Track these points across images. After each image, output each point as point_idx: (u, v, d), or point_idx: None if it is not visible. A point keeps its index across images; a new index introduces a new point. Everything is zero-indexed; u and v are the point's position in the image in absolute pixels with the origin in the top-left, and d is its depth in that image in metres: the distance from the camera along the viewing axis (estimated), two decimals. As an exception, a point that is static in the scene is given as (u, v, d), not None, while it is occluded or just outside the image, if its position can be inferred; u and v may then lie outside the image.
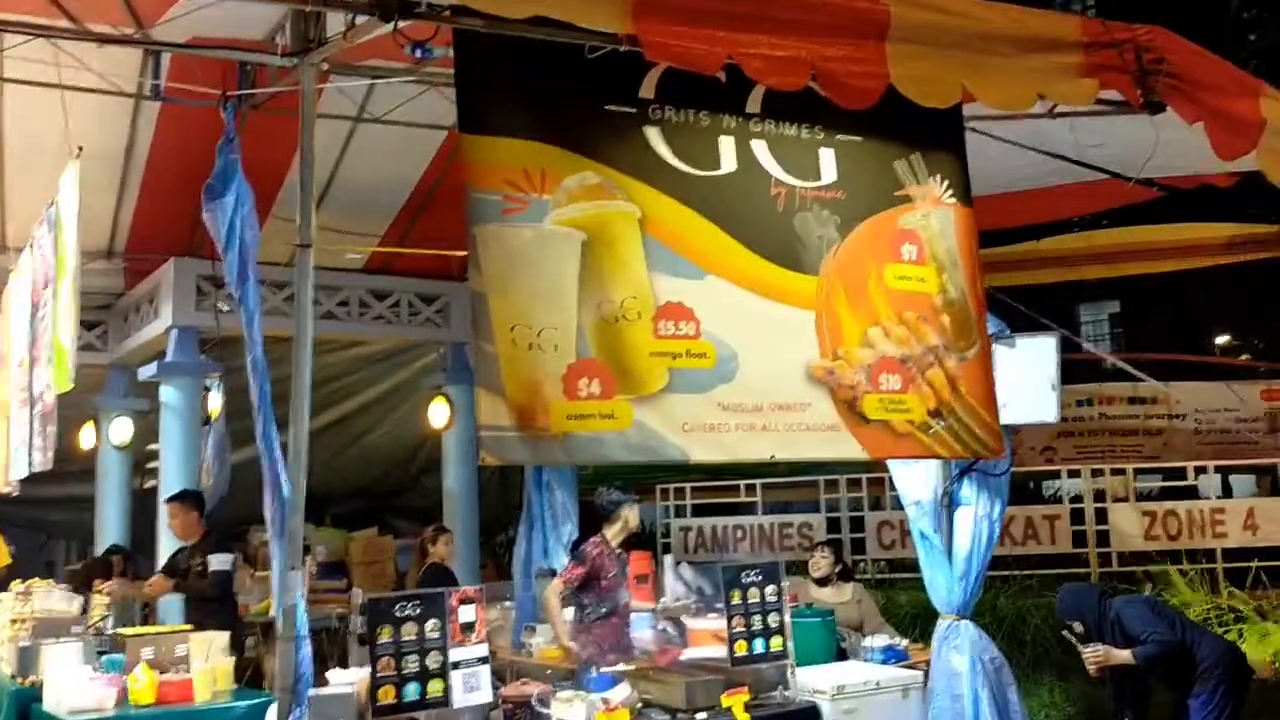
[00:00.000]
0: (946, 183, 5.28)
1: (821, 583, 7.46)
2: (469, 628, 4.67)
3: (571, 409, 4.13)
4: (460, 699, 4.52)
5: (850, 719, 5.22)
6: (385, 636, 4.50)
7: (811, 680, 5.33)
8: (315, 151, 4.37)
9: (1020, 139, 5.93)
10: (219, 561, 6.94)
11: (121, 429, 10.70)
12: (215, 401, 9.29)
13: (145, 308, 9.46)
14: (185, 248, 9.24)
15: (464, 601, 4.68)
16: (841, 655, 6.28)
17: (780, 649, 5.15)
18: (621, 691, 5.02)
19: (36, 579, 7.70)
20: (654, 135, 4.61)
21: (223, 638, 6.17)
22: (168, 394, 8.81)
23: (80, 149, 5.15)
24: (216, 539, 7.27)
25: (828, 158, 5.00)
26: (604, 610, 6.50)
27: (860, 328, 4.92)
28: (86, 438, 11.08)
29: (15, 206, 8.64)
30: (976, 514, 5.85)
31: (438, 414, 10.02)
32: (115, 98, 5.96)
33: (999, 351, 5.57)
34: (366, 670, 4.55)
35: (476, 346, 4.14)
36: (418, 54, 3.99)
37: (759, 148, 4.85)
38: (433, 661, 4.56)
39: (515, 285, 4.11)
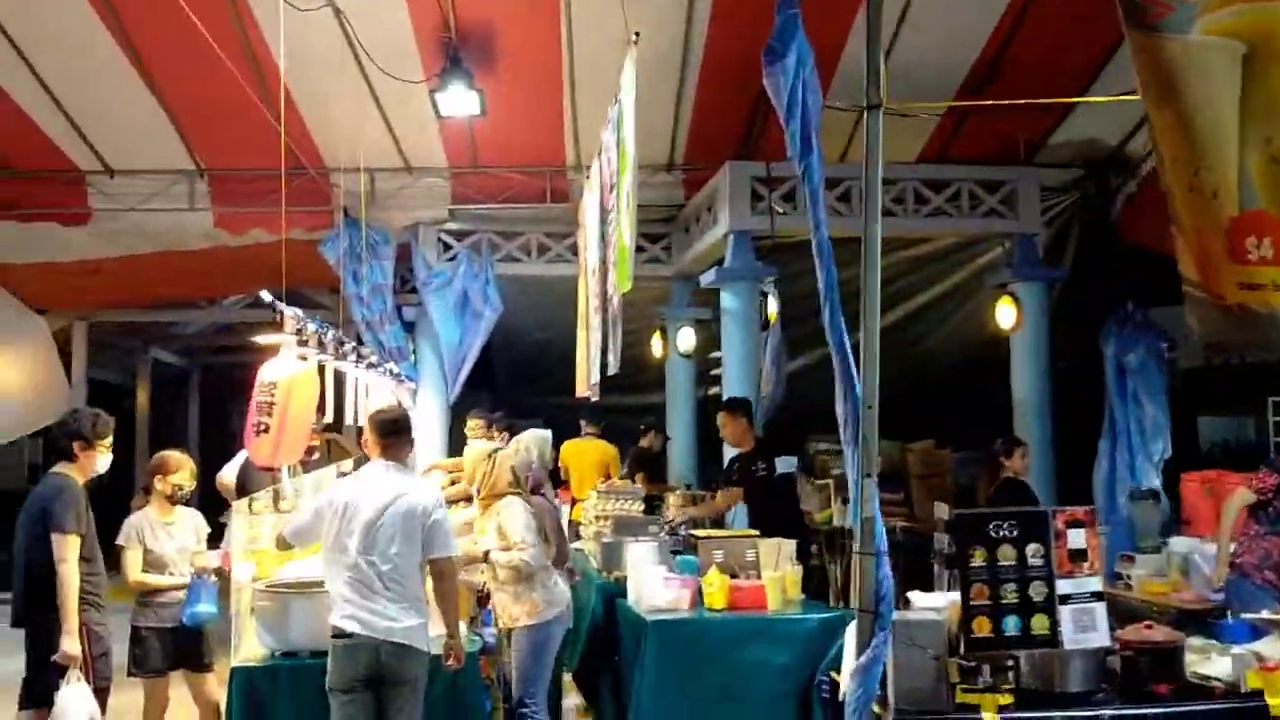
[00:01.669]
0: None
1: None
2: (1078, 555, 3.87)
3: (1241, 275, 3.10)
4: (1071, 639, 3.77)
5: None
6: (978, 560, 3.86)
7: None
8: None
9: None
10: (784, 465, 6.74)
11: (686, 338, 11.09)
12: (772, 306, 9.18)
13: (704, 216, 9.56)
14: (739, 152, 9.17)
15: (1071, 524, 3.89)
16: None
17: None
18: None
19: (616, 479, 8.10)
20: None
21: (790, 545, 5.93)
22: (727, 300, 8.82)
23: (637, 35, 5.00)
24: (770, 446, 7.10)
25: None
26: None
27: None
28: (656, 348, 11.66)
29: (583, 124, 9.09)
30: None
31: (1004, 315, 9.08)
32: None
33: None
34: (954, 596, 3.95)
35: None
36: None
37: None
38: (1036, 593, 3.84)
39: (1165, 109, 3.15)
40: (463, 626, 5.13)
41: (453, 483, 8.59)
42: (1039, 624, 3.83)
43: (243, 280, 10.80)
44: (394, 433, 4.60)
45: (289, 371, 4.91)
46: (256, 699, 4.66)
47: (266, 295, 5.27)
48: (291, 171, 9.29)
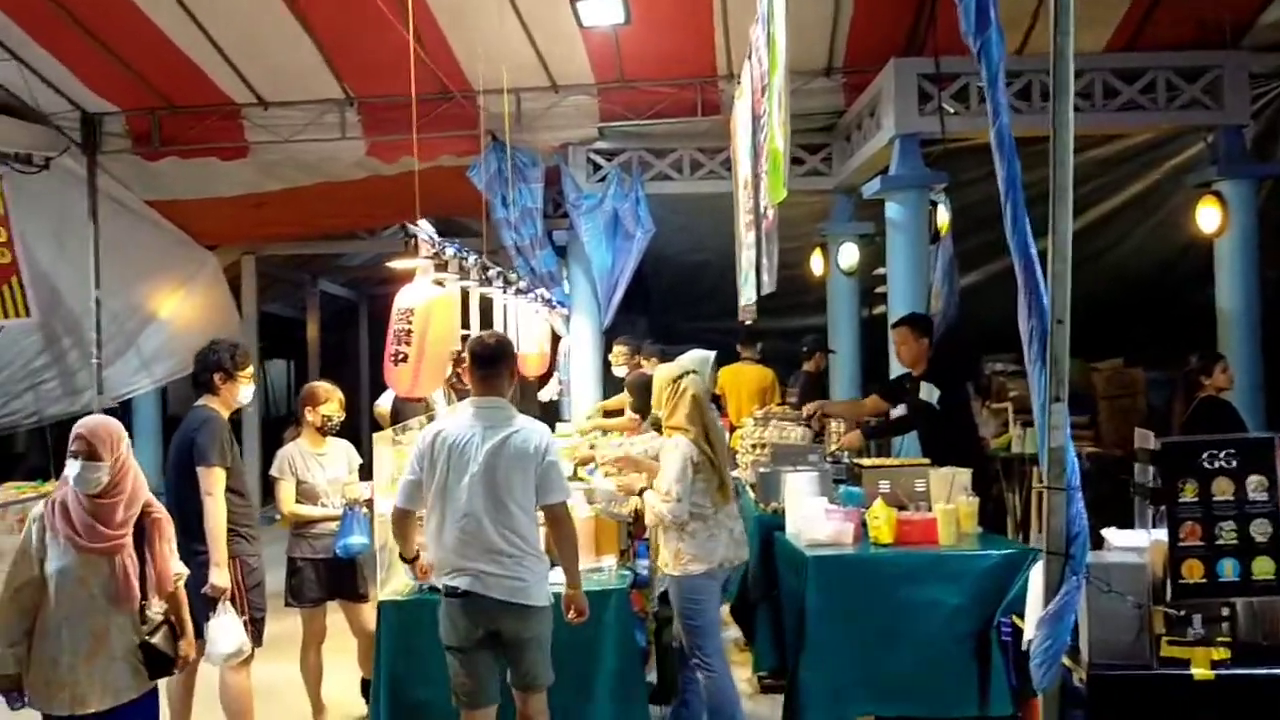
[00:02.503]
0: None
1: None
2: (1312, 489, 3.32)
3: None
4: (1303, 587, 3.24)
5: None
6: (1189, 494, 3.36)
7: None
8: None
9: None
10: (926, 392, 6.21)
11: (848, 254, 10.54)
12: (942, 216, 8.51)
13: (866, 122, 8.92)
14: (905, 48, 8.50)
15: (1304, 453, 3.33)
16: None
17: None
18: None
19: (773, 405, 7.71)
20: None
21: (965, 474, 5.46)
22: (893, 210, 8.21)
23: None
24: (944, 367, 6.54)
25: None
26: None
27: None
28: (816, 266, 11.13)
29: (734, 28, 8.56)
30: None
31: (1207, 217, 8.17)
32: None
33: None
34: (1159, 535, 3.45)
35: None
36: None
37: None
38: (1259, 531, 3.33)
39: None
40: (608, 560, 4.92)
41: (607, 414, 8.42)
42: (1262, 568, 3.33)
43: (398, 209, 10.79)
44: (493, 361, 4.13)
45: (425, 297, 4.71)
46: (405, 633, 4.58)
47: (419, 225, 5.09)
48: (434, 97, 9.20)
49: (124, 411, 11.56)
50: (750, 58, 6.24)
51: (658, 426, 5.13)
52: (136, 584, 3.73)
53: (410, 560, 4.26)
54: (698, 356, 6.28)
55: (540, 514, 4.08)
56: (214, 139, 9.95)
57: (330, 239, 13.57)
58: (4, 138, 9.39)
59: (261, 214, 11.03)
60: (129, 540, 3.72)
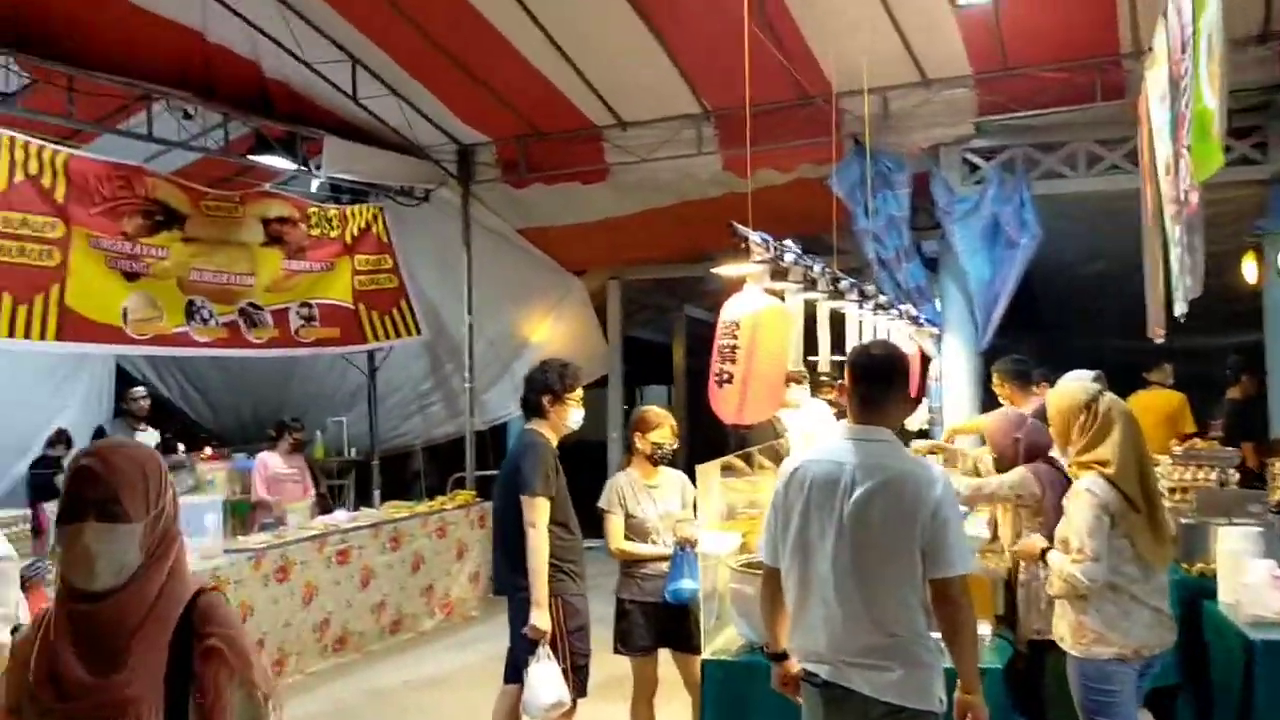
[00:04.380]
0: None
1: None
2: None
3: None
4: None
5: None
6: None
7: None
8: None
9: None
10: None
11: (1291, 256, 8.70)
12: None
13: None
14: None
15: None
16: None
17: None
18: None
19: (1198, 442, 6.34)
20: None
21: None
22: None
23: None
24: None
25: None
26: None
27: None
28: (1249, 273, 9.31)
29: None
30: None
31: None
32: None
33: None
34: None
35: None
36: None
37: None
38: None
39: None
40: (981, 628, 3.97)
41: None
42: None
43: (757, 228, 10.32)
44: (879, 377, 3.18)
45: (753, 308, 4.06)
46: (732, 699, 3.93)
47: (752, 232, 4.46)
48: (793, 104, 8.60)
49: (496, 436, 11.94)
50: (1165, 12, 5.05)
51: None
52: None
53: (777, 657, 3.29)
54: (1080, 378, 5.11)
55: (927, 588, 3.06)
56: (575, 163, 9.99)
57: (694, 260, 13.36)
58: (386, 172, 9.94)
59: (621, 237, 10.98)
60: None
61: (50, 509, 8.89)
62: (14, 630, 3.59)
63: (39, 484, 9.51)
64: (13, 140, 6.72)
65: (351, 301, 9.85)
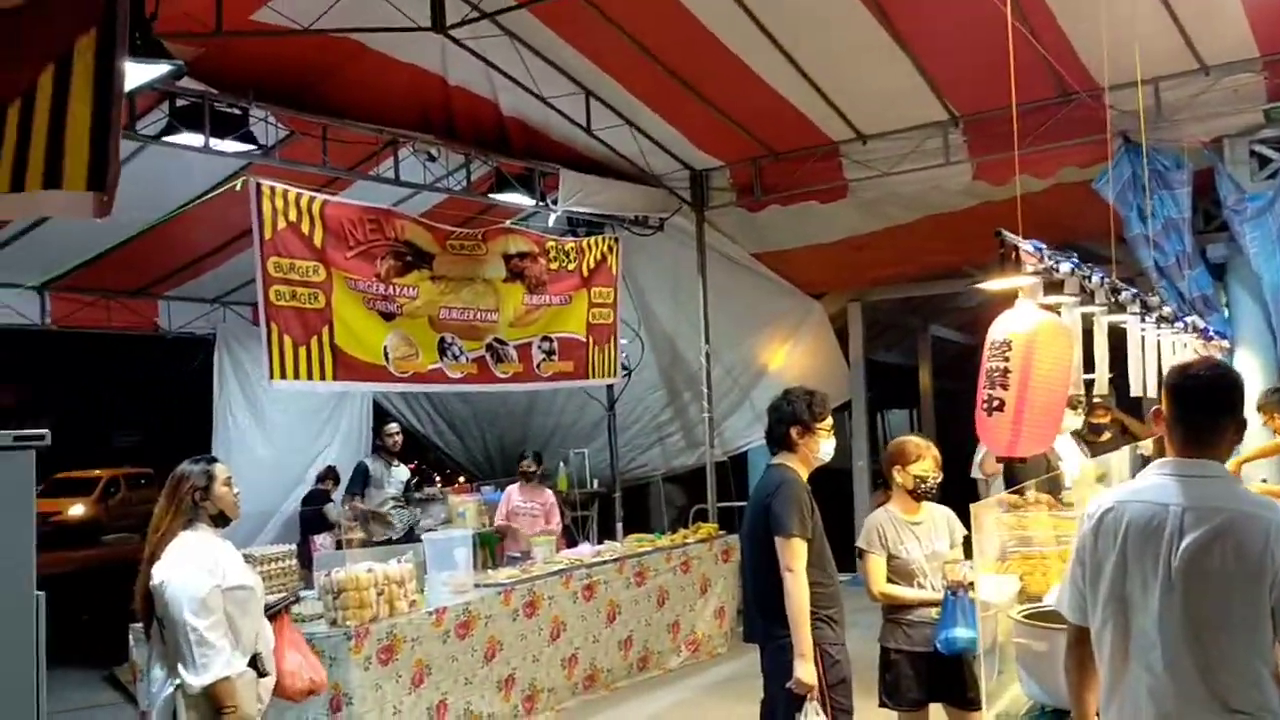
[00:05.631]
0: None
1: None
2: None
3: None
4: None
5: None
6: None
7: None
8: None
9: None
10: None
11: None
12: None
13: None
14: None
15: None
16: None
17: None
18: None
19: None
20: None
21: None
22: None
23: None
24: None
25: None
26: None
27: None
28: None
29: None
30: None
31: None
32: None
33: None
34: None
35: None
36: None
37: None
38: None
39: None
40: None
41: None
42: None
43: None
44: (1210, 402, 2.66)
45: (1028, 325, 3.59)
46: (1022, 770, 3.46)
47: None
48: (1051, 101, 7.95)
49: (737, 465, 11.66)
50: None
51: None
52: None
53: None
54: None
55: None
56: (812, 181, 9.62)
57: (941, 278, 12.68)
58: (620, 202, 9.90)
59: (862, 257, 10.51)
60: None
61: (320, 540, 9.34)
62: (252, 660, 3.62)
63: (310, 517, 10.03)
64: (273, 190, 7.04)
65: (585, 334, 9.82)
